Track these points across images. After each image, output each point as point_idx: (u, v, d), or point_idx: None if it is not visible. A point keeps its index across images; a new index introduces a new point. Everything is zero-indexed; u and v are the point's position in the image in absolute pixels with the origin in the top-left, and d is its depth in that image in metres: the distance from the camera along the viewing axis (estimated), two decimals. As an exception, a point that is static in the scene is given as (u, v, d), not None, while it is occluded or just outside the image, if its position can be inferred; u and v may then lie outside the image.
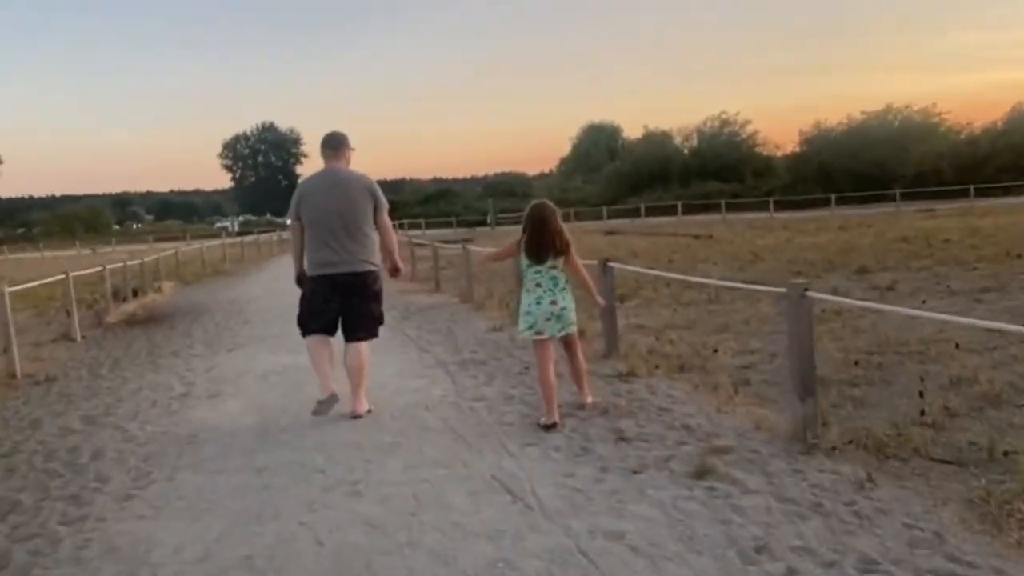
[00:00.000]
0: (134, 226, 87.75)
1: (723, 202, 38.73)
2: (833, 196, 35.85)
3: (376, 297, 4.70)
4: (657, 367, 5.49)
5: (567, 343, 4.50)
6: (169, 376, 6.36)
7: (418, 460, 3.79)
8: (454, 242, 18.27)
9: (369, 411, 4.68)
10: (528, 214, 4.34)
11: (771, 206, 36.01)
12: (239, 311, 10.81)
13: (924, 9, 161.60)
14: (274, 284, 15.15)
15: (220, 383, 5.92)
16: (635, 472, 3.41)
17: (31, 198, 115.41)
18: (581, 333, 6.75)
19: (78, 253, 43.31)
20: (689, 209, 40.22)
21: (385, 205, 4.70)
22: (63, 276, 9.04)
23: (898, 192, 35.05)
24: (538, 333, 4.29)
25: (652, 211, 42.05)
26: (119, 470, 3.93)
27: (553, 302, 4.25)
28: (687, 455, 3.59)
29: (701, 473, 3.30)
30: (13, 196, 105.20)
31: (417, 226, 41.87)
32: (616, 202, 47.69)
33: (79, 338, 8.91)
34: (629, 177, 54.98)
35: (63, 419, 5.09)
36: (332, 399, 4.59)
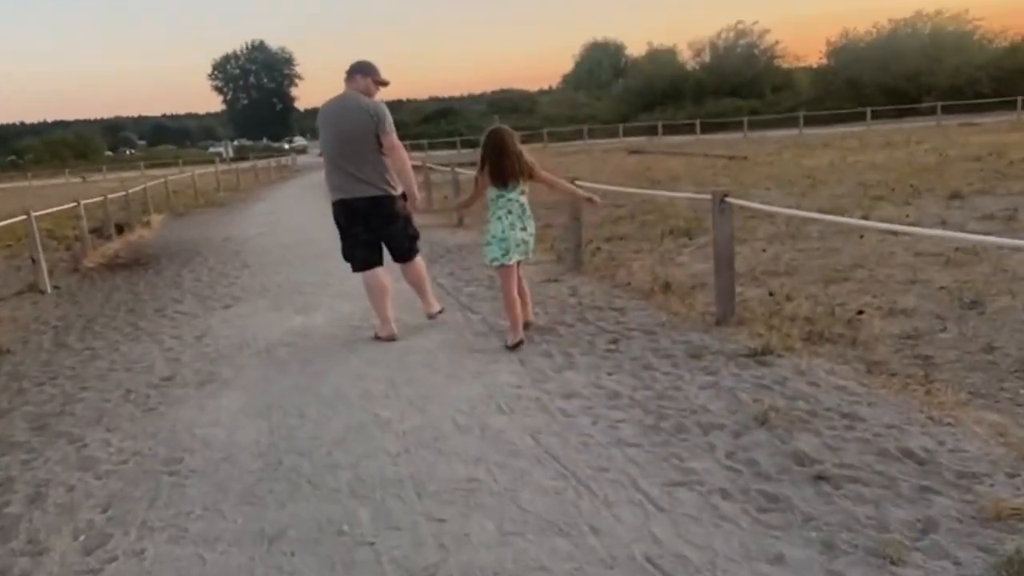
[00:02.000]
0: (127, 152, 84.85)
1: (745, 120, 36.52)
2: (868, 110, 33.64)
3: (398, 218, 4.56)
4: (788, 335, 4.13)
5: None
6: (150, 347, 5.02)
7: (517, 519, 2.46)
8: (464, 165, 16.55)
9: (441, 311, 4.93)
10: (484, 142, 4.28)
11: (800, 122, 33.78)
12: (236, 252, 9.38)
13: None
14: (273, 219, 13.66)
15: (214, 361, 4.58)
16: (893, 563, 2.08)
17: (22, 124, 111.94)
18: (667, 285, 5.47)
19: (67, 182, 41.50)
20: (707, 127, 38.01)
21: (388, 128, 4.39)
22: (24, 217, 7.56)
23: (939, 105, 32.72)
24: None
25: (668, 129, 39.88)
26: (64, 531, 2.62)
27: (523, 228, 4.32)
28: (956, 522, 2.25)
29: None
30: (4, 123, 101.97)
31: (419, 147, 39.73)
32: (627, 120, 45.32)
33: (49, 289, 7.54)
34: (641, 94, 52.08)
35: (3, 423, 3.77)
36: (390, 339, 4.62)
